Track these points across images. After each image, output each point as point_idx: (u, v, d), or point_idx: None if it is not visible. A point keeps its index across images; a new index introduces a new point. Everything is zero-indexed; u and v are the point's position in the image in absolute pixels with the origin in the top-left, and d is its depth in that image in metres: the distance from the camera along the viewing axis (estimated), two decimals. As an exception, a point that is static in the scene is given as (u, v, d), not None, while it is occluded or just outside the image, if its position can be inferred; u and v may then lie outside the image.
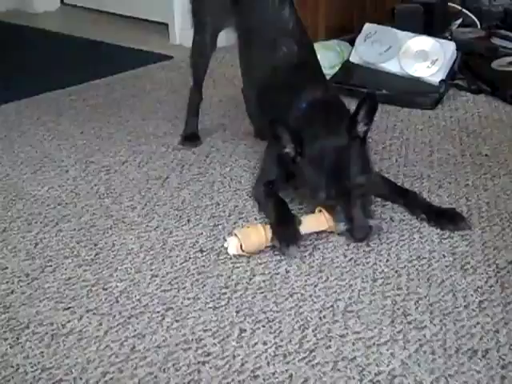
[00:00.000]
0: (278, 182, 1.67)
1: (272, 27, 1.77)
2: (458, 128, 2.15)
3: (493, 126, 2.15)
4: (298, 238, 1.48)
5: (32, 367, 1.17)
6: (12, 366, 1.17)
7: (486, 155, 1.94)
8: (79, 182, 1.85)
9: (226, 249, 1.48)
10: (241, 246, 1.45)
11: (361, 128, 1.52)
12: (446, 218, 1.56)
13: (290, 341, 1.21)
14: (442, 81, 2.36)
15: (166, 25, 3.26)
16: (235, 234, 1.47)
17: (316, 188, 1.49)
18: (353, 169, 1.47)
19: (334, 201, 1.48)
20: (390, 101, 2.34)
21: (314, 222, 1.54)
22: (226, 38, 3.07)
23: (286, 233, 1.48)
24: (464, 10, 2.91)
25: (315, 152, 1.49)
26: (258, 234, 1.46)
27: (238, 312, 1.30)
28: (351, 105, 2.31)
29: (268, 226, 1.49)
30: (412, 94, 2.35)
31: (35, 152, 2.04)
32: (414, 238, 1.53)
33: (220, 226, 1.60)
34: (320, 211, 1.53)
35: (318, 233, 1.54)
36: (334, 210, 1.49)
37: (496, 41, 2.71)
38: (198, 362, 1.17)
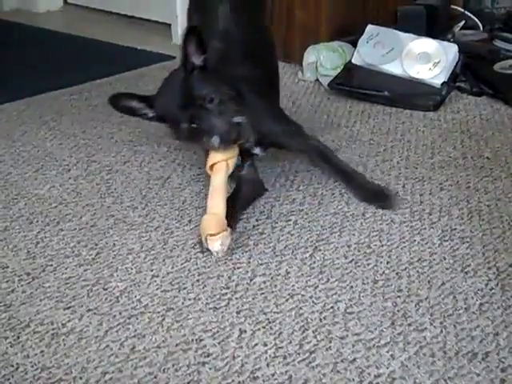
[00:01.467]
0: None
1: None
2: (460, 130, 2.15)
3: (494, 129, 2.15)
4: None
5: (32, 366, 1.17)
6: (12, 365, 1.17)
7: (488, 158, 1.94)
8: (80, 182, 1.85)
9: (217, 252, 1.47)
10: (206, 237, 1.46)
11: (197, 59, 1.54)
12: (373, 195, 1.68)
13: (290, 342, 1.21)
14: (443, 83, 2.36)
15: (169, 25, 3.25)
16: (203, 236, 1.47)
17: (172, 120, 1.55)
18: (196, 86, 1.51)
19: (191, 123, 1.49)
20: (392, 103, 2.35)
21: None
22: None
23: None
24: (466, 13, 2.91)
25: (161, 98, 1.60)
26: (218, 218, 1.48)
27: (238, 313, 1.30)
28: (353, 108, 2.33)
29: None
30: (414, 96, 2.35)
31: (37, 151, 2.04)
32: (415, 240, 1.53)
33: (221, 227, 1.59)
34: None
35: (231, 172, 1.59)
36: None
37: (498, 43, 2.70)
38: (198, 363, 1.17)
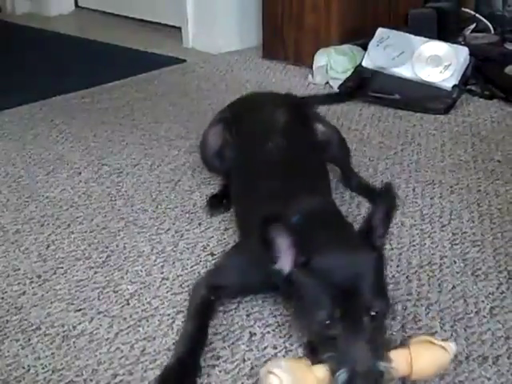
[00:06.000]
0: (230, 289, 1.33)
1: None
2: (471, 133, 2.14)
3: (505, 132, 2.14)
4: None
5: (43, 368, 1.17)
6: (23, 367, 1.18)
7: (499, 161, 1.93)
8: (91, 184, 1.86)
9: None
10: None
11: (376, 238, 1.16)
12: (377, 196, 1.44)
13: (300, 345, 1.21)
14: (454, 86, 2.36)
15: (179, 28, 3.27)
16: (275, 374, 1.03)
17: (317, 304, 1.08)
18: (369, 289, 1.08)
19: (336, 328, 1.05)
20: (402, 106, 2.34)
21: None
22: (239, 41, 3.11)
23: (175, 380, 1.12)
24: (477, 15, 2.91)
25: (326, 261, 1.11)
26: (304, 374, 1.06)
27: (248, 316, 1.30)
28: (363, 111, 2.33)
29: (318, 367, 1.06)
30: (424, 99, 2.35)
31: (48, 154, 2.05)
32: (425, 244, 1.53)
33: (231, 230, 1.60)
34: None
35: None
36: (326, 356, 1.06)
37: (509, 46, 2.70)
38: (208, 366, 1.17)
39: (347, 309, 1.05)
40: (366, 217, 1.18)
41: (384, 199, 1.14)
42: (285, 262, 1.12)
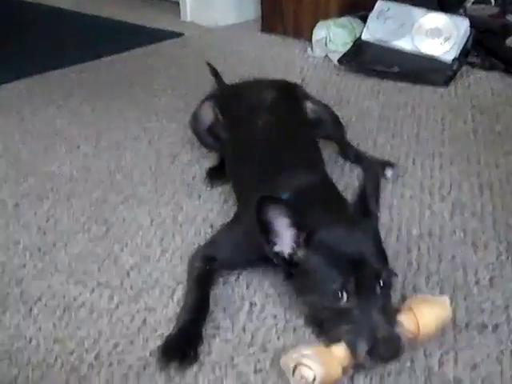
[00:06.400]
0: (224, 262, 1.32)
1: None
2: (471, 105, 2.13)
3: (506, 104, 2.13)
4: (190, 362, 1.11)
5: (45, 339, 1.18)
6: (25, 338, 1.18)
7: (499, 132, 1.92)
8: (90, 159, 1.85)
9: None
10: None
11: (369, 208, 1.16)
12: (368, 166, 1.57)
13: (300, 315, 1.22)
14: (455, 58, 2.34)
15: (177, 2, 3.24)
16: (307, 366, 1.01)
17: (329, 278, 1.08)
18: (376, 258, 1.10)
19: (350, 299, 1.06)
20: (402, 78, 2.33)
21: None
22: (237, 14, 3.09)
23: (178, 348, 1.12)
24: (478, -13, 2.88)
25: (328, 235, 1.12)
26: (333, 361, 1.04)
27: (248, 286, 1.30)
28: (362, 84, 2.32)
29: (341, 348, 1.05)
30: (424, 71, 2.33)
31: (46, 128, 2.04)
32: (425, 215, 1.52)
33: (230, 202, 1.59)
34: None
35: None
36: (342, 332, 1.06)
37: (510, 18, 2.67)
38: (209, 335, 1.17)
39: (359, 279, 1.06)
40: (357, 189, 1.19)
41: (369, 174, 1.16)
42: (285, 242, 1.13)
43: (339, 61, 2.46)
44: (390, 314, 1.06)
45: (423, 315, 1.09)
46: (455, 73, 2.33)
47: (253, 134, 1.53)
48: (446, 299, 1.14)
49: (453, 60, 2.34)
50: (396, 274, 1.14)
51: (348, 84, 2.33)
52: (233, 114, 1.67)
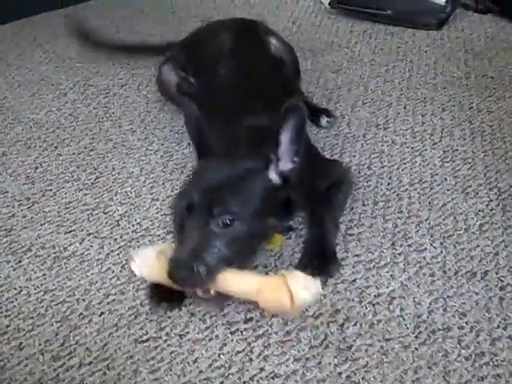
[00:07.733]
0: None
1: None
2: (464, 49, 2.10)
3: (499, 47, 2.10)
4: (179, 302, 1.15)
5: (35, 289, 1.18)
6: (15, 288, 1.18)
7: (492, 77, 1.90)
8: (78, 106, 1.82)
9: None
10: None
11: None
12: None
13: (290, 263, 1.22)
14: (448, 0, 2.29)
15: None
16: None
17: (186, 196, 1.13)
18: (230, 196, 1.09)
19: (186, 220, 1.10)
20: (394, 21, 2.28)
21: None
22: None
23: (166, 292, 1.13)
24: None
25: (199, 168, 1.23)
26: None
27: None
28: (354, 28, 2.27)
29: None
30: (417, 13, 2.29)
31: (32, 75, 2.01)
32: (416, 162, 1.52)
33: (220, 150, 1.58)
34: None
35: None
36: None
37: (505, -42, 2.61)
38: (199, 284, 1.18)
39: (195, 207, 1.07)
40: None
41: (290, 117, 1.08)
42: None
43: (330, 4, 2.41)
44: (201, 250, 1.04)
45: (292, 282, 1.00)
46: (449, 15, 2.28)
47: (218, 82, 1.50)
48: (318, 283, 1.02)
49: (446, 1, 2.29)
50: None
51: (339, 28, 2.28)
52: (196, 64, 1.65)
